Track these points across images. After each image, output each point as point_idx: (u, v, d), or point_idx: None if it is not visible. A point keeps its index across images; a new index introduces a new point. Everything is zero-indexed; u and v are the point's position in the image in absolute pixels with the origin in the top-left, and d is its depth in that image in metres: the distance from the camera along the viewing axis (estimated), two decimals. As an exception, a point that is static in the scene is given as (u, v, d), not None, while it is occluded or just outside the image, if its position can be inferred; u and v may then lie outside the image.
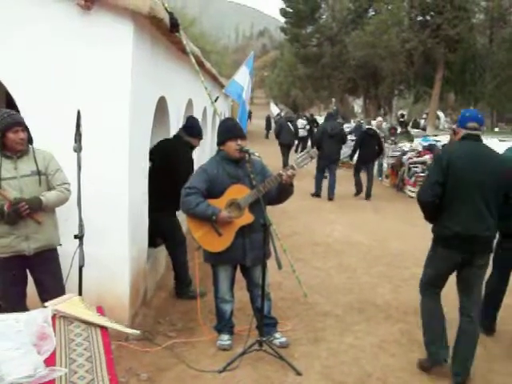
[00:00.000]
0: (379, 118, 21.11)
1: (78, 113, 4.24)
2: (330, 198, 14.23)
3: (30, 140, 4.44)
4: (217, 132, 5.21)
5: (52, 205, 4.42)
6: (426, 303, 4.88)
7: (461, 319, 4.66)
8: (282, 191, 5.02)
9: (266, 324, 5.02)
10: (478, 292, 4.72)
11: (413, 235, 9.99)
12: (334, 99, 49.52)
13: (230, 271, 5.19)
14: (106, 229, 5.04)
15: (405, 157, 16.48)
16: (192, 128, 6.61)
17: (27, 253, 4.38)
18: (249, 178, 4.94)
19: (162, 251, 7.12)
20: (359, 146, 15.03)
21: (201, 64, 9.11)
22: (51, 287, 4.34)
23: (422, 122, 34.79)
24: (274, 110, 41.84)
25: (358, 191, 14.96)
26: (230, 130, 5.07)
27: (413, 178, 15.33)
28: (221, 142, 5.07)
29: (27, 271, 4.57)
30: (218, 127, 5.27)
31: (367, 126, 16.88)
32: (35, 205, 4.27)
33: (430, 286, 4.83)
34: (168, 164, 6.27)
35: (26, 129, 4.36)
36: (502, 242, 5.40)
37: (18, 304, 4.34)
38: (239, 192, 4.91)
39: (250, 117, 10.13)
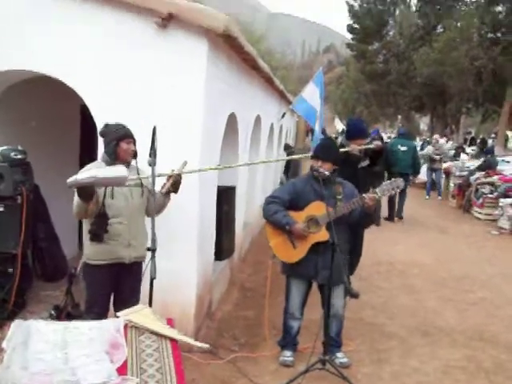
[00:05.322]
0: (435, 136, 20.93)
1: (154, 129, 4.34)
2: None
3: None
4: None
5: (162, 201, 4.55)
6: None
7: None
8: (363, 216, 5.05)
9: (329, 344, 4.98)
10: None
11: (478, 258, 9.78)
12: (399, 116, 48.95)
13: (302, 288, 5.22)
14: (174, 240, 5.13)
15: (472, 177, 15.96)
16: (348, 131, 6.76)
17: (127, 261, 4.36)
18: (334, 200, 4.99)
19: (227, 264, 7.20)
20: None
21: (270, 81, 9.21)
22: (127, 299, 4.21)
23: (490, 141, 33.85)
24: (339, 126, 41.57)
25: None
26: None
27: (480, 200, 14.78)
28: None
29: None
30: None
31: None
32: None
33: None
34: None
35: (134, 144, 4.46)
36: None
37: (104, 313, 4.34)
38: (319, 209, 4.96)
39: (312, 132, 10.23)
